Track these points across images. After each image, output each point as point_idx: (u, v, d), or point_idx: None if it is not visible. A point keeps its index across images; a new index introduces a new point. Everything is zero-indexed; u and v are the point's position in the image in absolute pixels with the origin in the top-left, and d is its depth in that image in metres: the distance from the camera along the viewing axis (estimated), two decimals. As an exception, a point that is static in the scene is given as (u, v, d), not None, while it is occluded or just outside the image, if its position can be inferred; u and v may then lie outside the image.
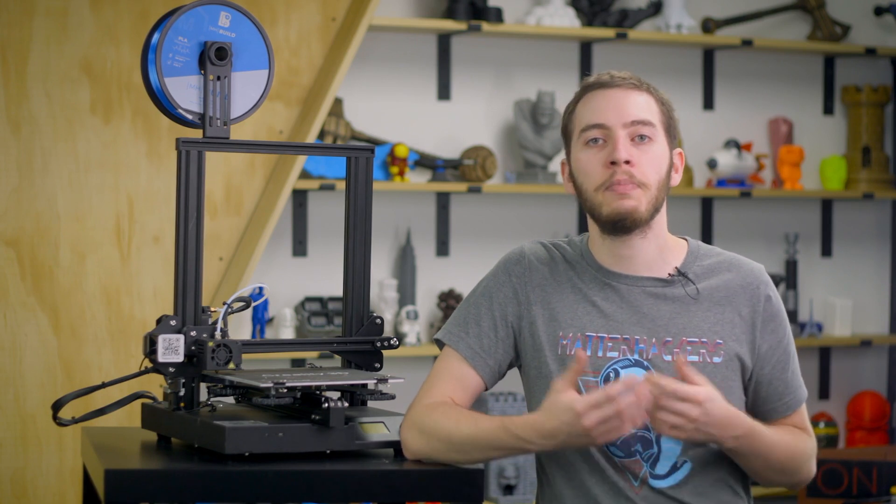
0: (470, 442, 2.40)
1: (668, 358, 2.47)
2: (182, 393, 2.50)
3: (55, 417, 2.56)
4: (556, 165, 5.10)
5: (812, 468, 2.55)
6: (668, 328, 2.49)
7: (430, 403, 2.48)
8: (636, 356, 2.48)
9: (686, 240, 2.60)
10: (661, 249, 2.54)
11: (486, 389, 2.56)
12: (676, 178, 2.56)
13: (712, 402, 2.33)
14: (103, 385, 2.59)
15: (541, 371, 2.51)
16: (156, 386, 2.82)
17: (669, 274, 2.52)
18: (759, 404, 2.54)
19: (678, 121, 2.56)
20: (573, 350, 2.49)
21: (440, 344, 2.58)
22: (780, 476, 2.51)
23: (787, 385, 2.53)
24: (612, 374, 2.47)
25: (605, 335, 2.50)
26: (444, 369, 2.54)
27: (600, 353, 2.49)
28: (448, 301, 4.93)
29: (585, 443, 2.33)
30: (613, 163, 2.45)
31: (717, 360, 2.49)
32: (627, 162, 2.45)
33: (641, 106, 2.49)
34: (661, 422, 2.31)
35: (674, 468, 2.47)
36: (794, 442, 2.51)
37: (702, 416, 2.31)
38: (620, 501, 2.45)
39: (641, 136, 2.47)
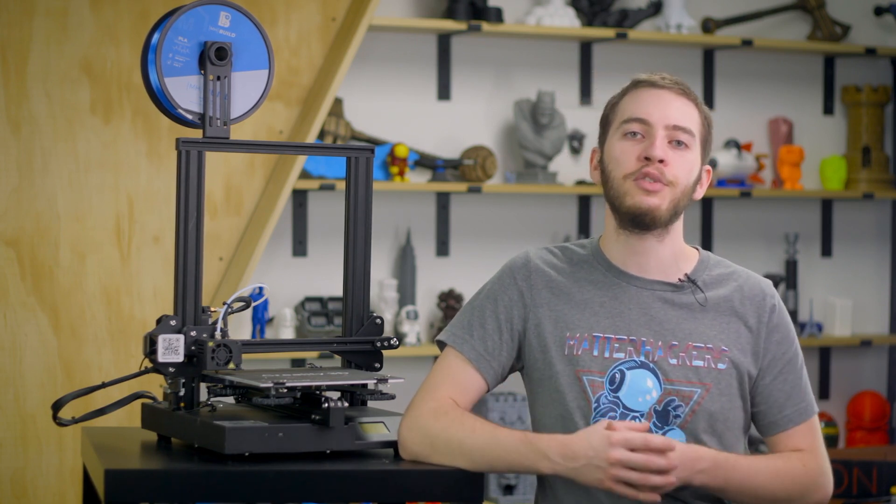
0: (483, 452, 2.39)
1: (674, 361, 2.48)
2: (182, 393, 2.50)
3: (55, 417, 2.56)
4: (556, 165, 5.10)
5: (825, 490, 2.48)
6: (675, 332, 2.50)
7: (435, 408, 2.46)
8: (642, 358, 2.48)
9: (698, 249, 2.62)
10: (675, 256, 2.55)
11: (488, 392, 2.55)
12: (700, 193, 2.57)
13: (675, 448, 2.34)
14: (103, 385, 2.59)
15: (546, 373, 2.51)
16: (156, 386, 2.82)
17: (679, 279, 2.53)
18: (761, 416, 2.54)
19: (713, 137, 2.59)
20: (580, 350, 2.49)
21: (441, 345, 2.57)
22: None
23: (788, 397, 2.52)
24: (617, 375, 2.47)
25: (612, 336, 2.50)
26: (447, 371, 2.53)
27: (607, 354, 2.49)
28: (448, 301, 4.92)
29: (598, 480, 2.31)
30: (648, 158, 2.47)
31: (721, 366, 2.49)
32: (661, 161, 2.46)
33: (686, 113, 2.51)
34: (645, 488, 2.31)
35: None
36: (785, 467, 2.47)
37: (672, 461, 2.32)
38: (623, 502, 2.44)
39: (679, 142, 2.49)
